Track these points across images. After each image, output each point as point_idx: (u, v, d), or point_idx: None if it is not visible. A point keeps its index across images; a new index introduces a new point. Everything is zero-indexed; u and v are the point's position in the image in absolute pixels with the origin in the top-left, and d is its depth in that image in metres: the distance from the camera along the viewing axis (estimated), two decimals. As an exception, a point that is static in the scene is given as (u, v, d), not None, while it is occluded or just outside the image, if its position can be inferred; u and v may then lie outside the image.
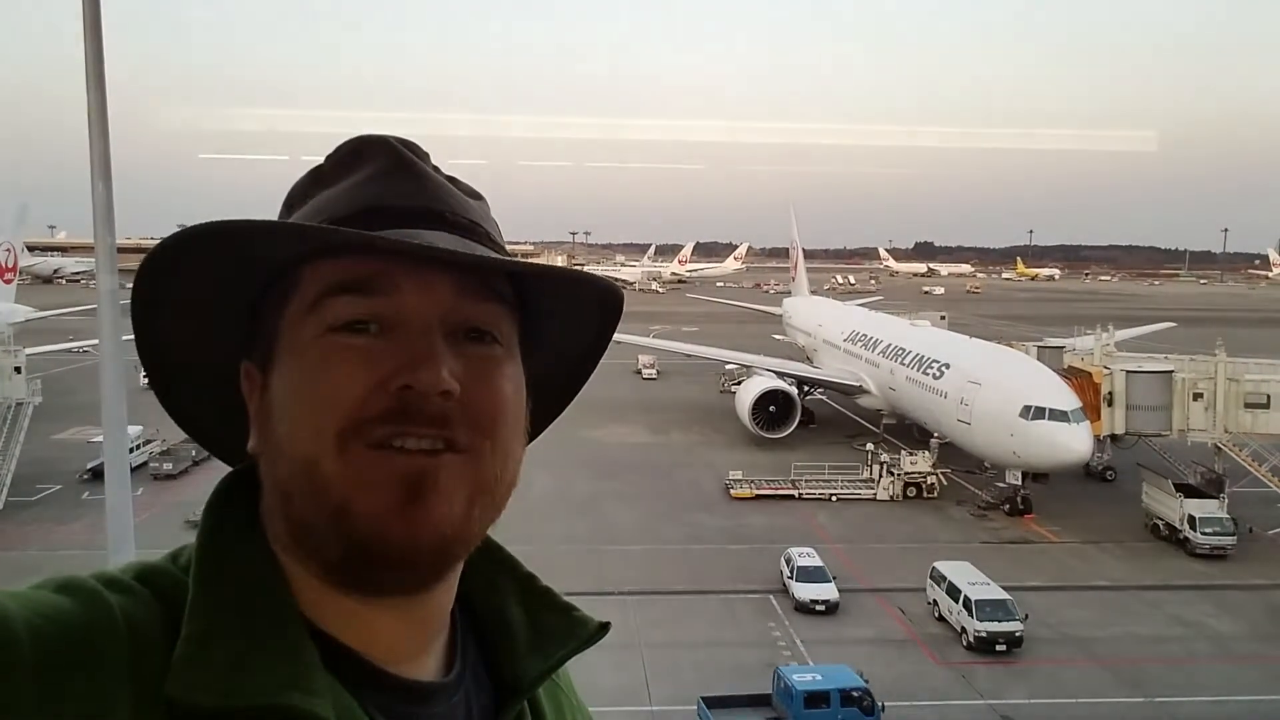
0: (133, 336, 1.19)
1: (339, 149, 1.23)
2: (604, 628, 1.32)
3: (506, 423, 1.14)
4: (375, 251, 1.09)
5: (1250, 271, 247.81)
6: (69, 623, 0.97)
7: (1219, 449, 34.59)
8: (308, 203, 1.20)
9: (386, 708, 1.11)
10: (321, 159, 1.25)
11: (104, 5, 7.56)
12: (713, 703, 20.28)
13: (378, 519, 1.05)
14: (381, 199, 1.16)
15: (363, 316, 1.09)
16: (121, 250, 8.24)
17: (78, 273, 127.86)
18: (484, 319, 1.14)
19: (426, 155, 1.24)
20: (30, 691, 0.91)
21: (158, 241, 1.10)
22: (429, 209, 1.17)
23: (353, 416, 1.06)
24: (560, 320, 1.29)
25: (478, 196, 1.27)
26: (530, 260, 1.19)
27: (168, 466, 35.73)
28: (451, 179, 1.25)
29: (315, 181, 1.23)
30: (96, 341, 8.13)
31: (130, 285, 1.13)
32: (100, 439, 8.87)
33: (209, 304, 1.17)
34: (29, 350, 37.85)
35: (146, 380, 1.25)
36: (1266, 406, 33.86)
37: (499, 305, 1.17)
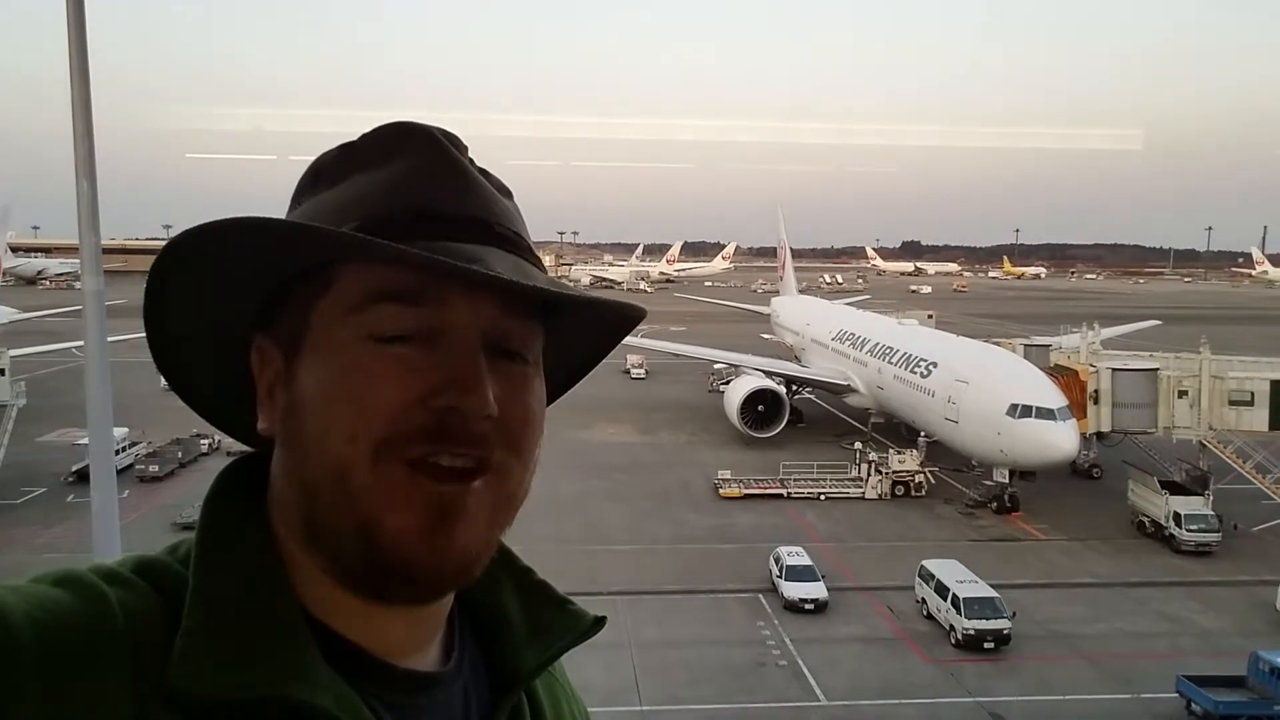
0: (142, 315, 1.15)
1: (377, 130, 1.19)
2: (600, 621, 1.32)
3: (533, 439, 1.15)
4: (431, 269, 1.07)
5: (1234, 270, 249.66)
6: (68, 616, 0.97)
7: (1204, 446, 34.87)
8: (339, 183, 1.17)
9: (386, 698, 1.11)
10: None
11: (88, 2, 7.50)
12: (1193, 681, 21.01)
13: (405, 541, 1.06)
14: (430, 203, 1.13)
15: (408, 326, 1.08)
16: (106, 251, 8.18)
17: (62, 274, 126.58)
18: (522, 338, 1.14)
19: (466, 149, 1.20)
20: (32, 685, 0.91)
21: (192, 227, 1.06)
22: (477, 219, 1.15)
23: (391, 429, 1.05)
24: (577, 332, 1.29)
25: (508, 193, 1.25)
26: (576, 291, 1.18)
27: (154, 469, 35.48)
28: (484, 172, 1.22)
29: (348, 158, 1.19)
30: (81, 343, 8.05)
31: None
32: (85, 441, 8.80)
33: (233, 285, 1.14)
34: (13, 352, 37.57)
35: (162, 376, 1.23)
36: (1250, 404, 34.11)
37: (534, 323, 1.17)
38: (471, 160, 1.20)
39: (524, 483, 1.17)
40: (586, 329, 1.31)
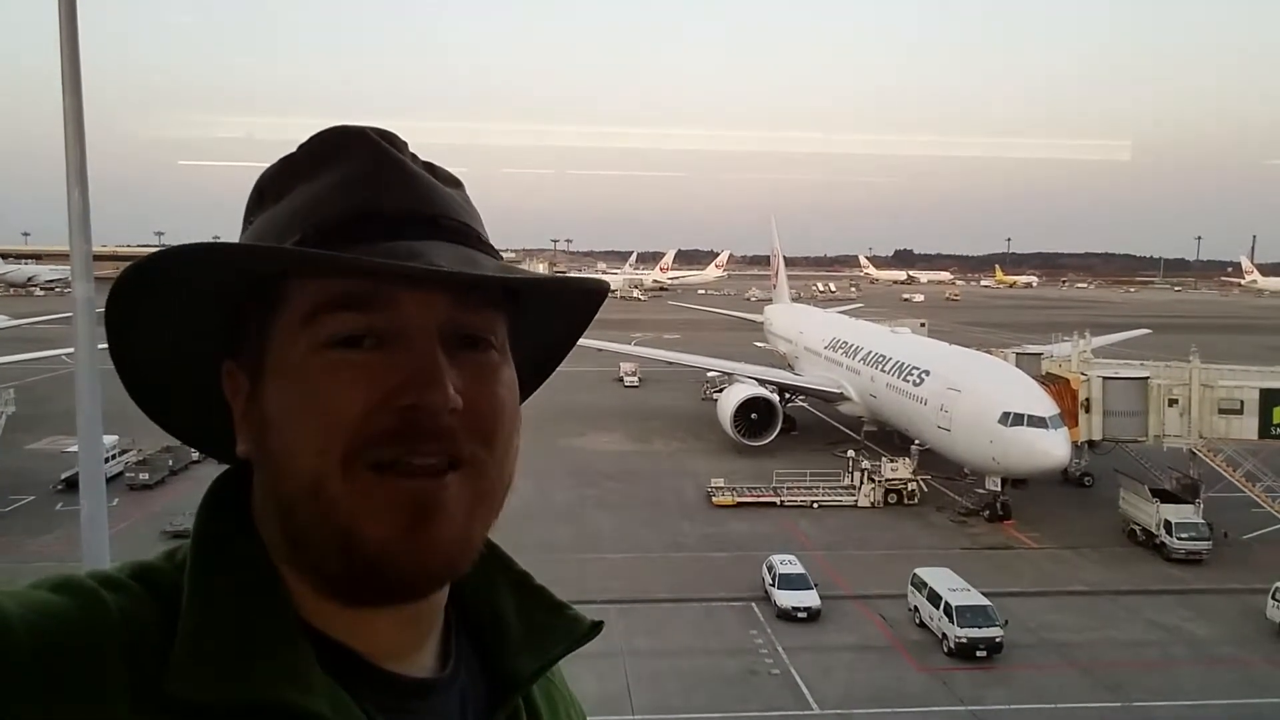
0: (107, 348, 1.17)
1: (314, 139, 1.20)
2: (596, 627, 1.32)
3: (505, 428, 1.14)
4: (375, 273, 1.07)
5: (1223, 279, 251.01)
6: (66, 621, 0.97)
7: (1194, 454, 34.96)
8: (284, 197, 1.17)
9: (382, 704, 1.11)
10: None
11: (81, 7, 7.49)
12: None
13: (385, 544, 1.05)
14: (371, 204, 1.13)
15: (361, 331, 1.07)
16: (98, 258, 8.14)
17: (52, 280, 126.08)
18: (481, 327, 1.13)
19: (405, 145, 1.21)
20: (29, 689, 0.91)
21: (144, 254, 1.08)
22: (420, 213, 1.15)
23: (357, 436, 1.05)
24: (546, 314, 1.30)
25: (456, 183, 1.25)
26: (525, 273, 1.19)
27: (144, 476, 35.25)
28: (429, 166, 1.23)
29: (288, 171, 1.19)
30: (71, 350, 8.02)
31: (106, 292, 1.11)
32: (75, 448, 8.75)
33: (190, 313, 1.15)
34: (1, 359, 37.41)
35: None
36: (1240, 412, 34.28)
37: (494, 311, 1.16)
38: (414, 156, 1.21)
39: (504, 473, 1.15)
40: (554, 310, 1.31)
